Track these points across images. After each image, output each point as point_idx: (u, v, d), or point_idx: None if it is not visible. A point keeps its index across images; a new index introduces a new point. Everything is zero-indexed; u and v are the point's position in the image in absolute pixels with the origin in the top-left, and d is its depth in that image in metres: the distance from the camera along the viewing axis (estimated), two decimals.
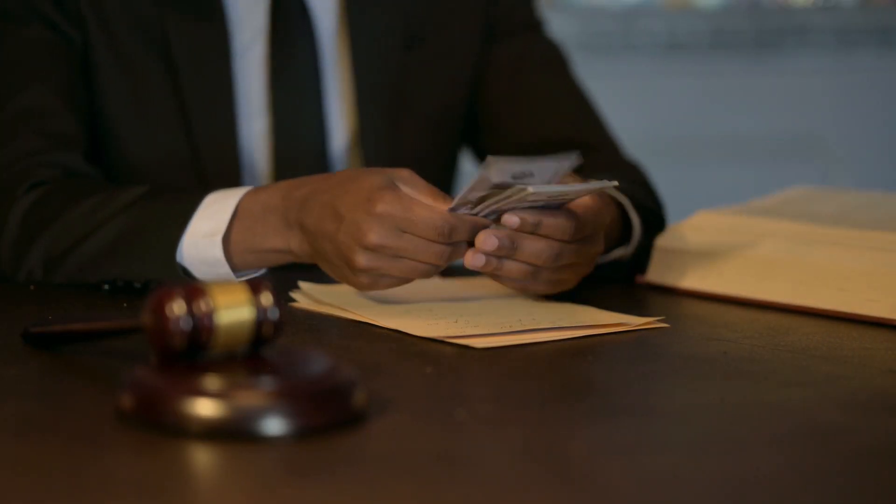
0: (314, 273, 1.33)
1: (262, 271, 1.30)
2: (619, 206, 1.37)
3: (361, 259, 1.18)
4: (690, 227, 1.39)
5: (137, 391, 0.89)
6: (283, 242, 1.24)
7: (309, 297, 1.28)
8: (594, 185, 1.18)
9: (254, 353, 0.93)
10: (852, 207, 1.42)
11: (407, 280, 1.20)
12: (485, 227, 1.17)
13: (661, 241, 1.39)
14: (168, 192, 1.33)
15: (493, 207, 1.17)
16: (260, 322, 0.91)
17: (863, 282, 1.25)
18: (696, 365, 1.11)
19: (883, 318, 1.23)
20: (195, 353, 0.90)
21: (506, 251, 1.17)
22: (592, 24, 2.98)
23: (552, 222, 1.18)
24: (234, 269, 1.28)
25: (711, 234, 1.37)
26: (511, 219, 1.17)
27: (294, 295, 1.29)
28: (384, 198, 1.17)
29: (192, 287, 0.90)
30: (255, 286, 0.92)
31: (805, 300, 1.28)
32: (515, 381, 1.05)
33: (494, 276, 1.21)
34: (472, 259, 1.18)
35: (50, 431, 0.89)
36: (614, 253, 1.37)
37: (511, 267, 1.19)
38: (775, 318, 1.27)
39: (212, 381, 0.88)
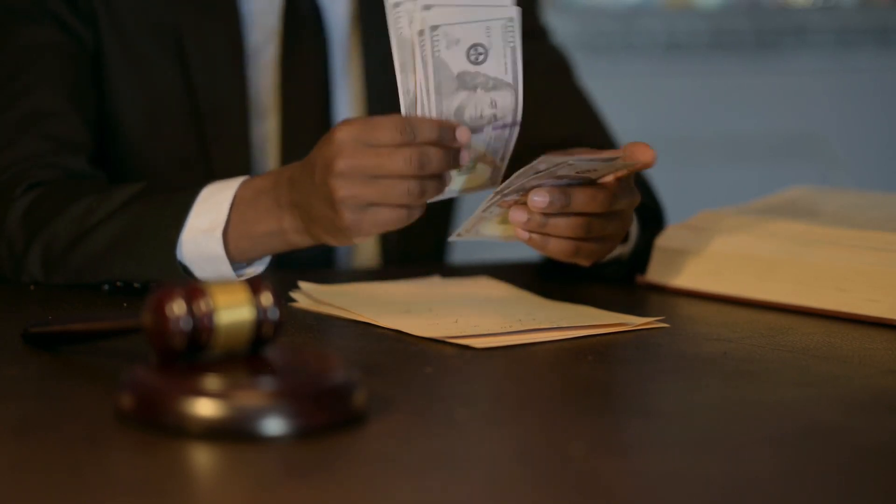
0: (314, 273, 1.33)
1: (261, 268, 1.29)
2: None
3: (337, 185, 1.15)
4: (691, 227, 1.39)
5: (137, 391, 0.89)
6: (275, 222, 1.23)
7: (309, 297, 1.28)
8: (621, 162, 1.18)
9: (254, 353, 0.93)
10: (852, 207, 1.42)
11: (391, 208, 1.16)
12: (451, 127, 1.15)
13: (661, 241, 1.39)
14: (164, 190, 1.32)
15: (521, 182, 1.16)
16: (260, 322, 0.91)
17: (863, 282, 1.25)
18: (696, 365, 1.11)
19: (883, 318, 1.23)
20: (195, 353, 0.90)
21: (558, 206, 1.17)
22: (592, 24, 2.98)
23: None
24: (231, 259, 1.27)
25: (711, 234, 1.36)
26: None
27: (294, 295, 1.29)
28: (342, 126, 1.16)
29: (192, 287, 0.90)
30: (255, 286, 0.92)
31: (805, 300, 1.28)
32: (515, 381, 1.05)
33: (542, 238, 1.20)
34: (516, 215, 1.18)
35: (50, 431, 0.89)
36: (613, 251, 1.37)
37: (562, 223, 1.19)
38: (775, 318, 1.27)
39: (212, 381, 0.88)
